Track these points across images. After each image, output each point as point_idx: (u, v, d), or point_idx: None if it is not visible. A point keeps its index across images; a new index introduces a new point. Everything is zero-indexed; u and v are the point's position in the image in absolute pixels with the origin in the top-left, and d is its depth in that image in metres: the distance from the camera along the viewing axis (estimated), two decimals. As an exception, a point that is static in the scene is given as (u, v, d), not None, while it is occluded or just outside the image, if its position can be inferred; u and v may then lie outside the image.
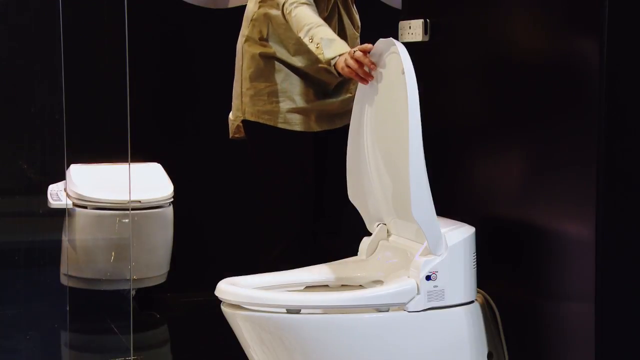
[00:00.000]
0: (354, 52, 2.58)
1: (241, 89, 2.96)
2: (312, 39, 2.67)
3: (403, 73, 2.39)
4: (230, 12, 2.97)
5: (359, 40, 3.00)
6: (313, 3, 2.77)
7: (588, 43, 2.20)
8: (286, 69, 2.88)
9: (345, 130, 2.96)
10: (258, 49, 2.91)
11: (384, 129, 2.57)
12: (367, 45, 2.57)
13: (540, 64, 2.37)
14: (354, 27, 2.98)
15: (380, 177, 2.60)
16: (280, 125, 2.88)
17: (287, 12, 2.75)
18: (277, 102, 2.88)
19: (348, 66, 2.58)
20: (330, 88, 2.93)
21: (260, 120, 2.91)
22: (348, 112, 2.95)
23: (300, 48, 2.85)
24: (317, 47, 2.66)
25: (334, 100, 2.94)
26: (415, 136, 2.35)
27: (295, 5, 2.74)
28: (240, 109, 2.96)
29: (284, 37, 2.87)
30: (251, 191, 3.12)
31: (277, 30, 2.89)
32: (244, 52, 2.96)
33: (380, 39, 2.55)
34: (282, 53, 2.88)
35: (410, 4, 2.96)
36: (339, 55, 2.62)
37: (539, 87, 2.37)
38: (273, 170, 2.93)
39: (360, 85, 2.62)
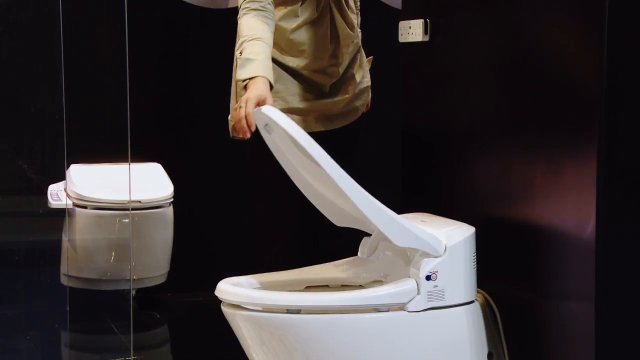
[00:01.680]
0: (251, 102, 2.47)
1: (235, 89, 2.94)
2: (241, 54, 2.59)
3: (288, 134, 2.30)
4: (230, 12, 2.96)
5: (359, 41, 2.97)
6: (268, 8, 2.68)
7: (588, 43, 2.20)
8: (279, 69, 2.80)
9: (344, 130, 2.95)
10: None
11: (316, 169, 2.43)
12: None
13: (540, 64, 2.37)
14: (348, 27, 2.89)
15: (345, 202, 2.48)
16: None
17: (238, 17, 2.68)
18: None
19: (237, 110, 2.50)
20: (325, 89, 2.88)
21: None
22: (346, 113, 2.93)
23: (292, 48, 2.81)
24: (239, 66, 2.58)
25: (329, 101, 2.89)
26: (343, 181, 2.27)
27: (245, 11, 2.66)
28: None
29: (275, 36, 2.76)
30: (251, 191, 3.12)
31: None
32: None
33: (255, 110, 2.45)
34: (274, 53, 2.78)
35: (410, 4, 2.96)
36: (250, 79, 2.52)
37: (540, 87, 2.37)
38: (267, 171, 2.90)
39: (265, 136, 2.48)
